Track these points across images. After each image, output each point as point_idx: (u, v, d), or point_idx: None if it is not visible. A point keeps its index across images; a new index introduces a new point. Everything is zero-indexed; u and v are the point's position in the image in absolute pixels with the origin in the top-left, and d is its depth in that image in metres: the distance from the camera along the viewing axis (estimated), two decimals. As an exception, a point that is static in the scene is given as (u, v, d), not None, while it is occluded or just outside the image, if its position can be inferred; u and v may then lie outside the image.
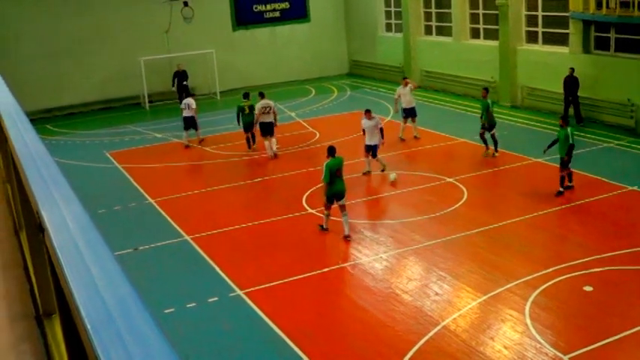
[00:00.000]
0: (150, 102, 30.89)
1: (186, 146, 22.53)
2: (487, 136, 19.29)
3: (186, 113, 22.47)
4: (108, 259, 1.75)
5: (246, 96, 21.77)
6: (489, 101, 19.15)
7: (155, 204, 17.22)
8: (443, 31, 29.90)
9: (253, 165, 20.26)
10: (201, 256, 13.79)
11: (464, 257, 13.01)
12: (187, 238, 14.75)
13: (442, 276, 12.26)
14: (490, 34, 27.16)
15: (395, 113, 22.59)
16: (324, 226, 14.45)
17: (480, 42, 27.72)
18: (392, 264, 12.96)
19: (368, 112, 18.30)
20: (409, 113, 21.70)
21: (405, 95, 21.64)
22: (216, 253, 13.85)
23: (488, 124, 19.13)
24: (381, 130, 18.08)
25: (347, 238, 14.03)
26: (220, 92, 31.63)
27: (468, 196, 16.23)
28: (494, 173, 18.10)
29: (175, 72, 29.91)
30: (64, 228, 2.03)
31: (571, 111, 22.12)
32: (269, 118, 20.60)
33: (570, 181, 16.14)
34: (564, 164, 15.81)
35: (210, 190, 18.35)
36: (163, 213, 16.50)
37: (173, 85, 29.90)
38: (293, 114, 26.88)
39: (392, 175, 17.58)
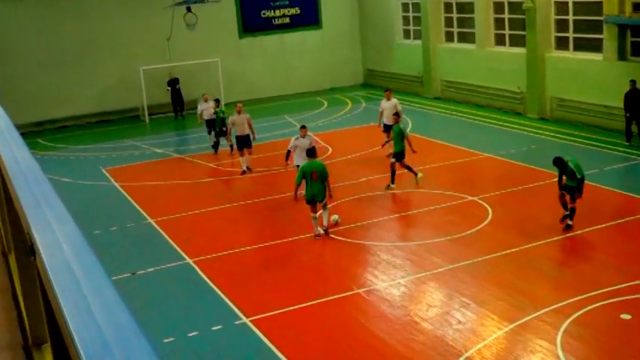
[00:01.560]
0: (150, 115, 31.08)
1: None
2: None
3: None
4: (105, 285, 1.75)
5: (217, 102, 23.91)
6: (401, 126, 18.65)
7: (155, 224, 17.26)
8: (465, 38, 29.95)
9: (260, 183, 20.29)
10: (204, 280, 13.78)
11: (488, 282, 12.93)
12: (189, 261, 14.76)
13: (465, 303, 12.18)
14: (516, 41, 27.17)
15: (378, 126, 22.38)
16: (316, 232, 15.02)
17: (506, 49, 27.74)
18: (410, 289, 12.90)
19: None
20: (389, 129, 21.27)
21: (387, 109, 21.43)
22: (221, 278, 13.83)
23: (397, 152, 18.31)
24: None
25: (325, 232, 15.30)
26: (225, 104, 31.74)
27: (493, 216, 16.16)
28: (521, 191, 18.02)
29: (169, 81, 30.56)
30: (58, 250, 2.03)
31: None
32: (246, 131, 20.80)
33: (571, 218, 14.95)
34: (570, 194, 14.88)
35: (214, 209, 18.38)
36: (163, 234, 16.53)
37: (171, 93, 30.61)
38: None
39: (334, 218, 16.19)
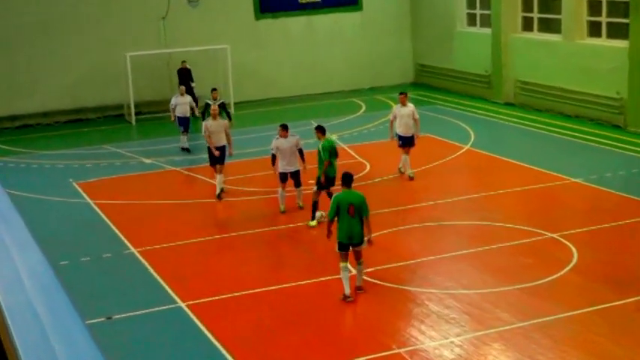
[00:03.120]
0: (137, 114, 31.31)
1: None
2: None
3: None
4: (78, 333, 1.74)
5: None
6: (334, 140, 18.48)
7: (138, 255, 17.31)
8: (549, 27, 29.90)
9: (272, 207, 20.30)
10: (200, 330, 13.77)
11: (571, 346, 12.81)
12: (182, 304, 14.76)
13: (540, 372, 12.07)
14: (616, 31, 27.09)
15: (390, 140, 22.51)
16: (347, 293, 14.37)
17: (602, 42, 27.68)
18: (468, 352, 12.80)
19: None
20: (406, 142, 21.77)
21: (403, 117, 21.69)
22: (221, 328, 13.82)
23: (327, 177, 18.25)
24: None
25: (359, 288, 14.84)
26: (235, 104, 31.94)
27: (579, 259, 16.02)
28: (616, 228, 17.86)
29: (179, 70, 30.41)
30: (17, 285, 2.03)
31: None
32: (222, 141, 20.87)
33: None
34: None
35: (214, 238, 18.44)
36: (149, 268, 16.56)
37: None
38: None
39: (318, 214, 17.38)
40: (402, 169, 22.17)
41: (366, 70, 35.52)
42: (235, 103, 31.88)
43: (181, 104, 25.77)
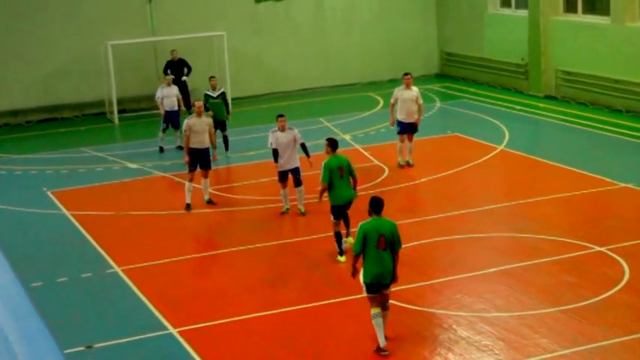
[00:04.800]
0: (120, 112, 31.37)
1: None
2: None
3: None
4: None
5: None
6: (346, 159, 17.72)
7: (122, 274, 17.33)
8: (595, 7, 29.90)
9: (276, 217, 20.32)
10: (193, 360, 13.84)
11: (623, 377, 12.81)
12: (172, 330, 14.78)
13: (587, 407, 12.09)
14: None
15: (391, 125, 23.74)
16: (382, 344, 14.00)
17: (656, 25, 27.69)
18: (503, 384, 12.82)
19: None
20: (406, 129, 22.85)
21: (406, 102, 22.68)
22: (216, 357, 13.84)
23: (335, 207, 17.59)
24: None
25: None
26: (233, 100, 31.96)
27: (631, 277, 15.99)
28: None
29: (168, 62, 30.36)
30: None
31: None
32: (205, 142, 20.89)
33: None
34: None
35: (208, 254, 18.52)
36: (135, 289, 16.59)
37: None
38: (348, 137, 26.99)
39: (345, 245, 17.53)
40: (402, 162, 23.38)
41: (385, 59, 35.50)
42: (234, 99, 31.82)
43: (168, 96, 25.90)
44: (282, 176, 19.83)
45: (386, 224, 13.63)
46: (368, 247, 13.44)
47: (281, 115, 19.77)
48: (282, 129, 19.52)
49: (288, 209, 20.14)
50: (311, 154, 19.96)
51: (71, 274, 17.57)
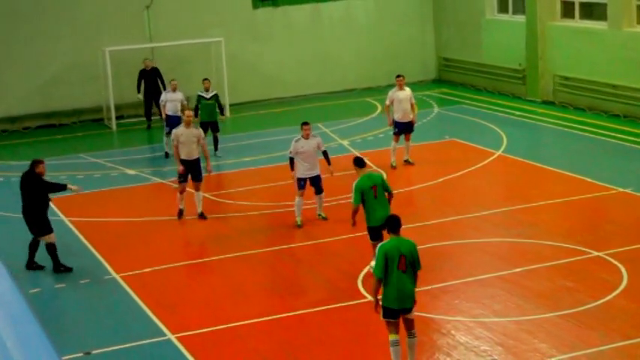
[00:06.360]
0: (118, 118, 31.38)
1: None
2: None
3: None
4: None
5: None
6: (378, 175, 17.25)
7: (121, 281, 17.37)
8: (592, 13, 29.93)
9: (278, 223, 20.34)
10: (192, 367, 13.84)
11: (621, 382, 12.83)
12: (171, 337, 14.80)
13: (585, 412, 12.10)
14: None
15: (390, 126, 24.20)
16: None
17: (653, 31, 27.71)
18: (502, 389, 12.84)
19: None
20: (404, 128, 23.59)
21: (402, 102, 23.54)
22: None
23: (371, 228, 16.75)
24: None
25: None
26: (231, 106, 31.99)
27: (629, 282, 16.01)
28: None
29: (141, 71, 30.40)
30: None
31: None
32: (194, 153, 20.54)
33: None
34: None
35: (209, 260, 18.56)
36: (133, 296, 16.62)
37: (139, 92, 30.46)
38: (345, 142, 27.00)
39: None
40: (394, 163, 23.79)
41: (383, 65, 35.41)
42: (231, 105, 31.88)
43: (172, 101, 25.84)
44: (302, 183, 19.54)
45: (406, 244, 13.05)
46: (390, 269, 12.79)
47: (306, 123, 19.61)
48: (307, 137, 19.36)
49: (301, 225, 19.72)
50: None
51: (69, 280, 17.62)
